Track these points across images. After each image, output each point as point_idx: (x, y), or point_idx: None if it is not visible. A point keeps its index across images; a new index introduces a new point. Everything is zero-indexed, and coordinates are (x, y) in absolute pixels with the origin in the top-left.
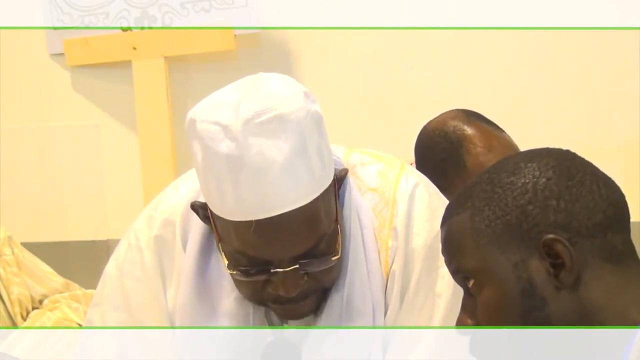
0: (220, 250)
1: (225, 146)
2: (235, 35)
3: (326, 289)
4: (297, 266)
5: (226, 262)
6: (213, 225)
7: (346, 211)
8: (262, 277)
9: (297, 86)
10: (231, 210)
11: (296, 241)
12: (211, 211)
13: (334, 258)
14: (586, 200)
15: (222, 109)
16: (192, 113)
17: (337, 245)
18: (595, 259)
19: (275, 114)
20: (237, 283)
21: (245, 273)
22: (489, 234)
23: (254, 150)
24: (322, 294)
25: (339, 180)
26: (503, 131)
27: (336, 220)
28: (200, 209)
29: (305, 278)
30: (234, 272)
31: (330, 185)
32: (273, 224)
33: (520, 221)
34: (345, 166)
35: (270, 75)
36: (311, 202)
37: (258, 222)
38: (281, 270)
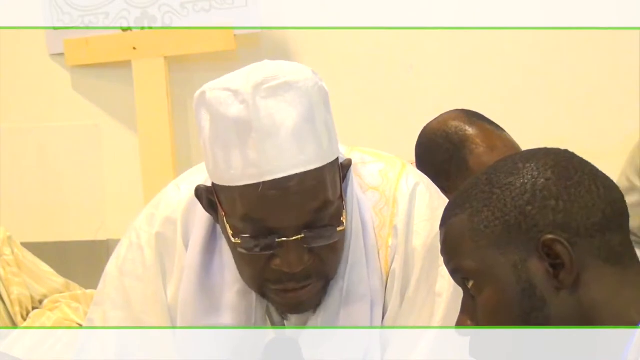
0: (226, 224)
1: (235, 109)
2: (235, 35)
3: (326, 283)
4: (302, 236)
5: (231, 233)
6: (218, 203)
7: (348, 206)
8: (267, 251)
9: (303, 65)
10: (239, 175)
11: (301, 207)
12: (216, 190)
13: (339, 229)
14: (585, 200)
15: (232, 79)
16: (201, 88)
17: (342, 219)
18: (594, 259)
19: (285, 80)
20: (241, 261)
21: (251, 245)
22: (488, 235)
23: (263, 112)
24: (322, 287)
25: (344, 168)
26: (504, 131)
27: (341, 197)
28: (205, 193)
29: (309, 255)
30: (239, 242)
31: (335, 162)
32: (279, 187)
33: (519, 222)
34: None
35: (276, 61)
36: (317, 170)
37: (265, 184)
38: (286, 239)
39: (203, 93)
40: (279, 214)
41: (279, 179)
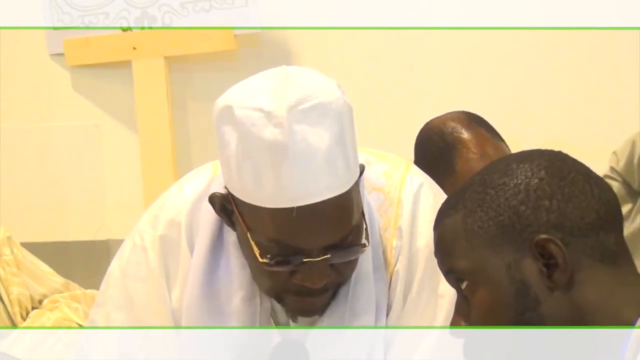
0: (250, 240)
1: (270, 132)
2: (235, 35)
3: (338, 289)
4: (329, 256)
5: (257, 251)
6: (239, 217)
7: None
8: (292, 268)
9: (327, 78)
10: (270, 197)
11: (331, 230)
12: (237, 202)
13: (363, 249)
14: (578, 200)
15: (261, 95)
16: (226, 100)
17: (364, 236)
18: (588, 259)
19: (319, 101)
20: (261, 274)
21: (277, 263)
22: (482, 235)
23: (299, 137)
24: (335, 291)
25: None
26: (502, 140)
27: (362, 212)
28: (220, 200)
29: (330, 270)
30: (266, 262)
31: (358, 178)
32: (312, 211)
33: (512, 222)
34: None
35: (295, 67)
36: (347, 192)
37: (298, 209)
38: (313, 260)
39: (229, 108)
40: (309, 237)
41: (312, 204)
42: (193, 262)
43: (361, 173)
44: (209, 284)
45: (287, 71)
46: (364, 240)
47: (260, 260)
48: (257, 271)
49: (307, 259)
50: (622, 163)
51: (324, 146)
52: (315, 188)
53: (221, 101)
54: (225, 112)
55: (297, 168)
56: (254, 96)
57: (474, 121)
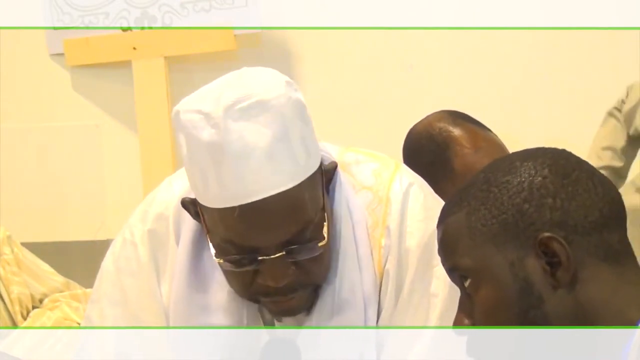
0: (209, 241)
1: (207, 133)
2: (235, 35)
3: (317, 286)
4: (284, 253)
5: (214, 252)
6: (202, 218)
7: (336, 207)
8: (249, 267)
9: (279, 76)
10: (214, 197)
11: (280, 227)
12: (199, 205)
13: (320, 244)
14: (582, 199)
15: (205, 99)
16: (177, 106)
17: (324, 232)
18: (591, 257)
19: (257, 99)
20: (227, 276)
21: (234, 263)
22: (486, 233)
23: (235, 135)
24: (312, 290)
25: (327, 172)
26: (489, 130)
27: (323, 208)
28: (191, 205)
29: (293, 268)
30: (223, 262)
31: (316, 173)
32: (256, 209)
33: (516, 220)
34: (339, 164)
35: (254, 68)
36: (294, 189)
37: (241, 207)
38: (268, 257)
39: (177, 113)
40: (258, 235)
41: (255, 201)
42: (178, 257)
43: (333, 170)
44: (194, 279)
45: (242, 73)
46: (322, 236)
47: (216, 260)
48: (225, 274)
49: (262, 257)
50: (626, 107)
51: (264, 143)
52: (256, 186)
53: (175, 108)
54: (175, 118)
55: (234, 167)
56: (199, 99)
57: (458, 117)
